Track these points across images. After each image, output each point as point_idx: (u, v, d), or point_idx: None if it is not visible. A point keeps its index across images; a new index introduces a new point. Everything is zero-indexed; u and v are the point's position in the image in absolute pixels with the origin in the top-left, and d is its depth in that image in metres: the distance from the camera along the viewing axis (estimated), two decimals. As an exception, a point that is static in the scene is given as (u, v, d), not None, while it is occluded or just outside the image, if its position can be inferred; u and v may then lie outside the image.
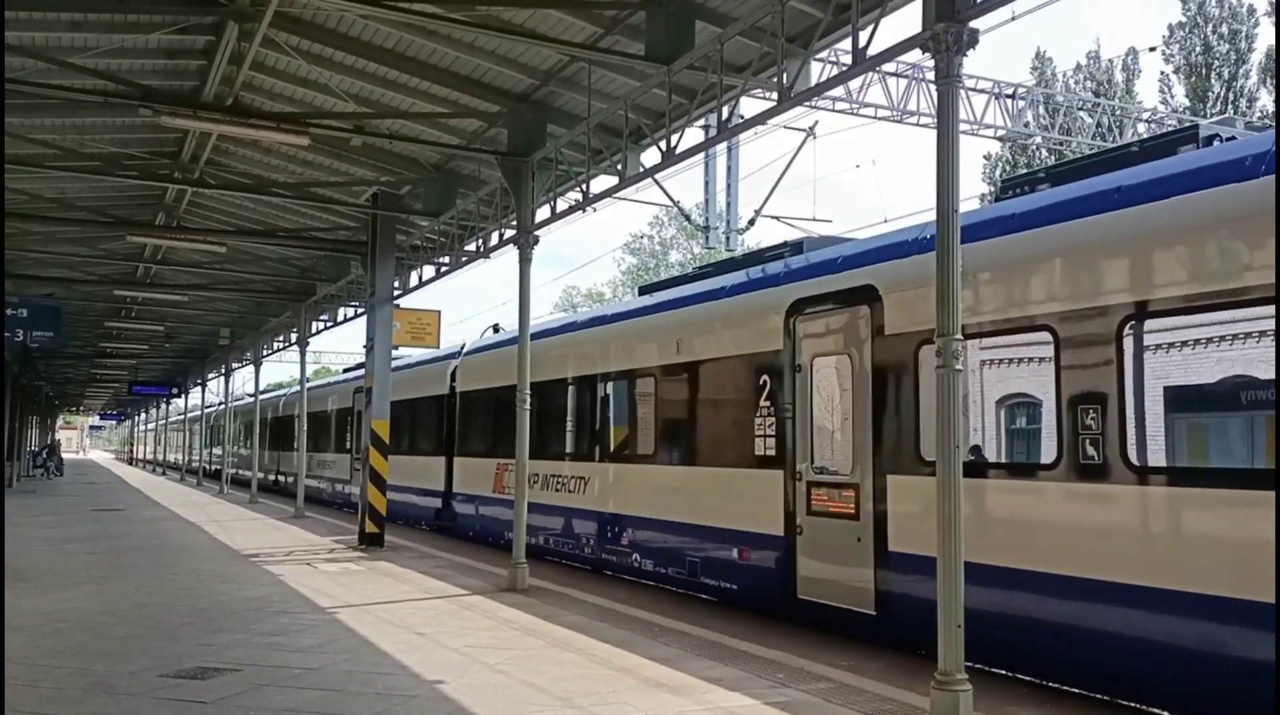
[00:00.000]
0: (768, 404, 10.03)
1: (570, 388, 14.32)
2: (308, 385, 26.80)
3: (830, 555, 9.09)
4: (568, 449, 14.44)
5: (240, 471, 37.74)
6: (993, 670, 7.76)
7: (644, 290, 14.28)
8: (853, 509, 8.86)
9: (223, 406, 44.26)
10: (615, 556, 12.71)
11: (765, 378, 10.10)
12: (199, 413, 43.30)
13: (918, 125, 20.03)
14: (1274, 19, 34.37)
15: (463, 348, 19.51)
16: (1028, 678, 7.60)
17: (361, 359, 19.32)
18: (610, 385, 13.31)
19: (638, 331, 12.83)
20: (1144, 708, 6.91)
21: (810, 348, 9.65)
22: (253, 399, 33.09)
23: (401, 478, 20.60)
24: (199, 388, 43.63)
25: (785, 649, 8.56)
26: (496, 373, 16.21)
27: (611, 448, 13.31)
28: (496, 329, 21.15)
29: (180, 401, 50.54)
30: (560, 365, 14.48)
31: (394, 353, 21.36)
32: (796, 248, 10.87)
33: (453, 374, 18.87)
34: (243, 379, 52.55)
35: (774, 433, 9.90)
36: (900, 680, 7.45)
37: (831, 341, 9.45)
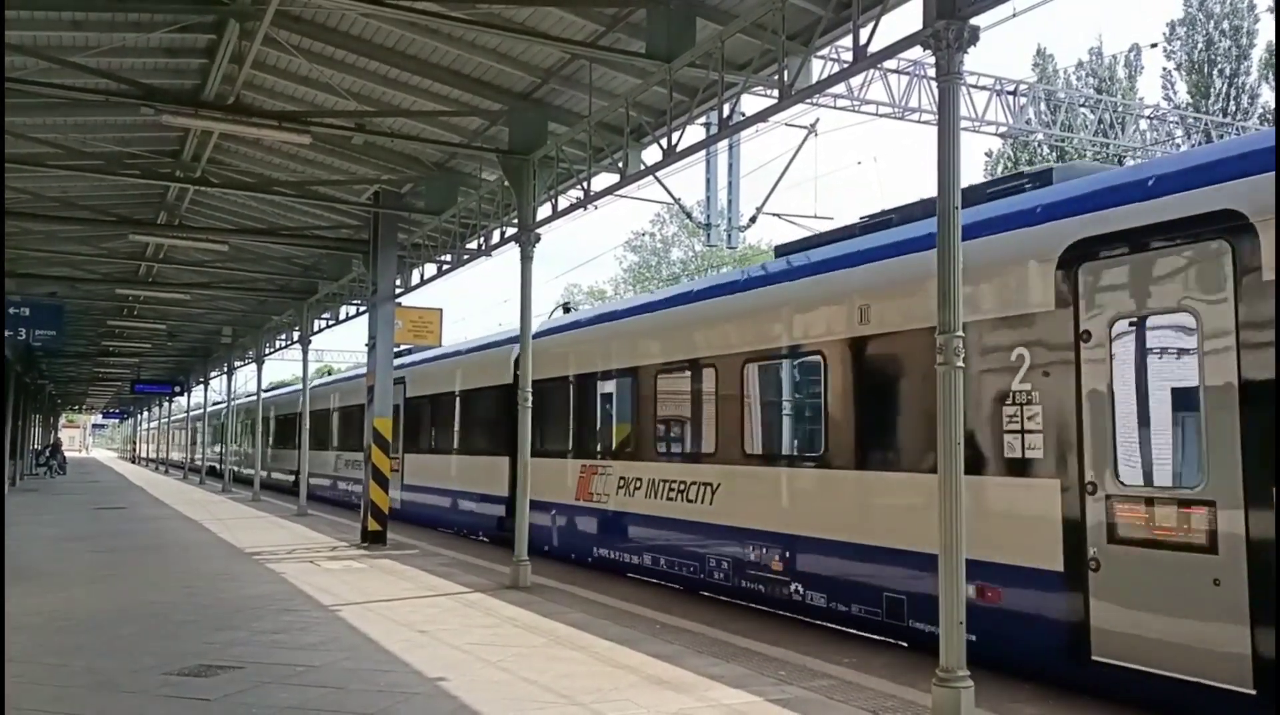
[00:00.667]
0: (1027, 387, 7.51)
1: (688, 373, 11.83)
2: (333, 377, 26.28)
3: (1157, 603, 6.48)
4: (684, 448, 12.03)
5: (242, 470, 37.13)
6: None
7: (783, 250, 11.56)
8: (1203, 537, 6.28)
9: (233, 403, 43.70)
10: (763, 586, 10.14)
11: (1021, 351, 7.60)
12: (205, 411, 43.23)
13: (919, 122, 20.03)
14: (1275, 16, 34.36)
15: None
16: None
17: (390, 355, 18.44)
18: (752, 368, 10.71)
19: (792, 299, 10.24)
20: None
21: (1109, 306, 7.00)
22: (269, 393, 32.36)
23: (452, 481, 19.05)
24: (201, 386, 43.69)
25: (787, 646, 8.56)
26: (577, 358, 14.38)
27: (759, 447, 10.64)
28: (567, 309, 18.95)
29: (185, 399, 50.50)
30: (667, 346, 12.27)
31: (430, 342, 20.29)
32: (1041, 178, 8.59)
33: (516, 362, 16.39)
34: (245, 378, 52.66)
35: (1040, 427, 7.41)
36: (903, 677, 7.46)
37: (1153, 295, 6.76)
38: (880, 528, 8.77)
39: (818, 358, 9.68)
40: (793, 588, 9.77)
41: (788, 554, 9.84)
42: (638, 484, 12.50)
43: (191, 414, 48.84)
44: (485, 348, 18.80)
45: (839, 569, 9.20)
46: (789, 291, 10.37)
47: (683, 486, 11.61)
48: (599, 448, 13.84)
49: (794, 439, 10.43)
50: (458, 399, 19.05)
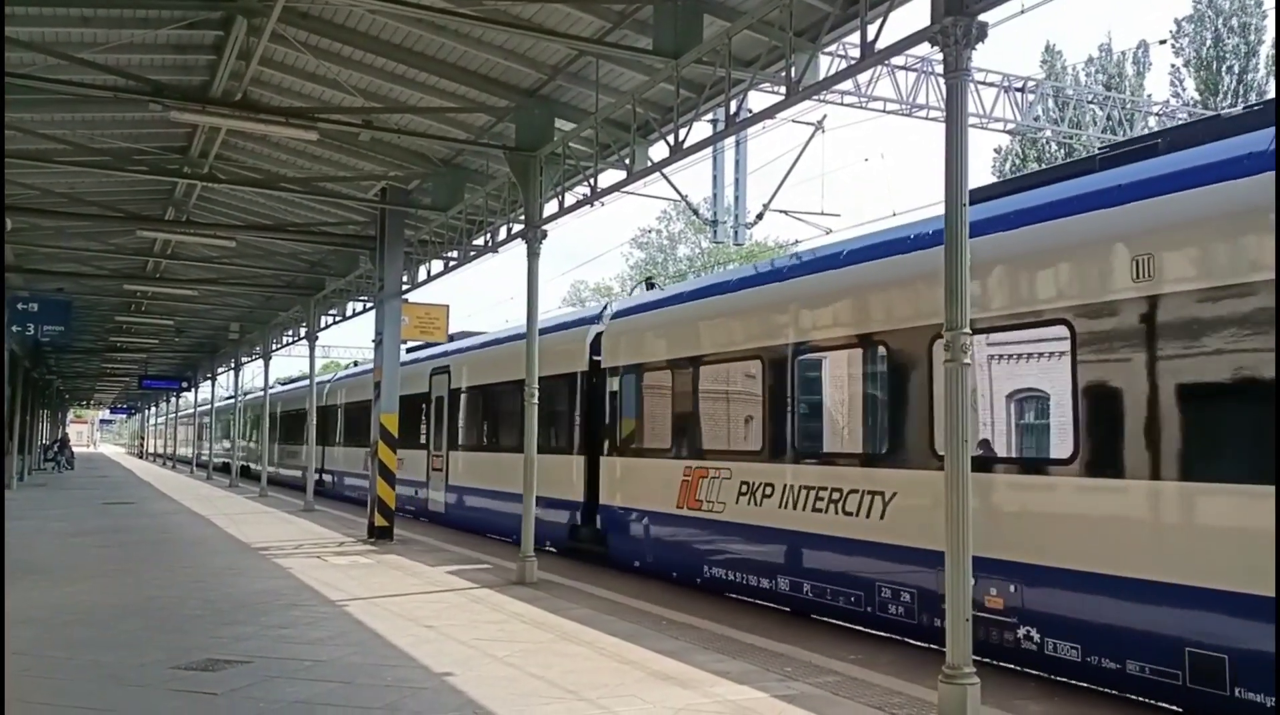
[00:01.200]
0: None
1: (846, 354, 9.66)
2: (364, 369, 25.18)
3: None
4: (839, 448, 9.95)
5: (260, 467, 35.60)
6: (1001, 664, 7.56)
7: (981, 195, 8.55)
8: None
9: (247, 398, 43.00)
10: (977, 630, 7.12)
11: None
12: (211, 407, 43.14)
13: (927, 119, 19.97)
14: (1275, 16, 34.25)
15: (604, 310, 15.19)
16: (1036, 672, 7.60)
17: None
18: (997, 339, 8.14)
19: (1018, 252, 7.83)
20: (1144, 700, 6.88)
21: None
22: (286, 388, 30.81)
23: (511, 483, 15.94)
24: (209, 381, 43.77)
25: (793, 642, 8.57)
26: (681, 338, 12.19)
27: (997, 448, 8.32)
28: (650, 284, 16.40)
29: (194, 395, 50.53)
30: (819, 322, 9.91)
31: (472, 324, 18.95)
32: None
33: (594, 345, 14.66)
34: (251, 374, 52.78)
35: None
36: (909, 674, 7.46)
37: None
38: (1179, 559, 6.46)
39: (1058, 328, 7.40)
40: (1022, 632, 7.43)
41: (1014, 588, 7.49)
42: (768, 491, 10.25)
43: (200, 409, 48.96)
44: (552, 329, 16.31)
45: (1108, 613, 6.88)
46: (1010, 242, 7.92)
47: (838, 495, 9.33)
48: (710, 446, 11.58)
49: (1024, 437, 8.19)
50: (513, 391, 16.44)
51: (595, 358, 14.50)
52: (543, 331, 16.31)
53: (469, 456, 19.08)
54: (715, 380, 11.57)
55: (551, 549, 15.46)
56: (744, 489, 10.69)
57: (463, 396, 19.64)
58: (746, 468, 10.70)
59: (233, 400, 40.52)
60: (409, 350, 23.87)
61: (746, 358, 10.91)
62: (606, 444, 13.76)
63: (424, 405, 21.16)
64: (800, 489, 9.87)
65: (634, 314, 13.78)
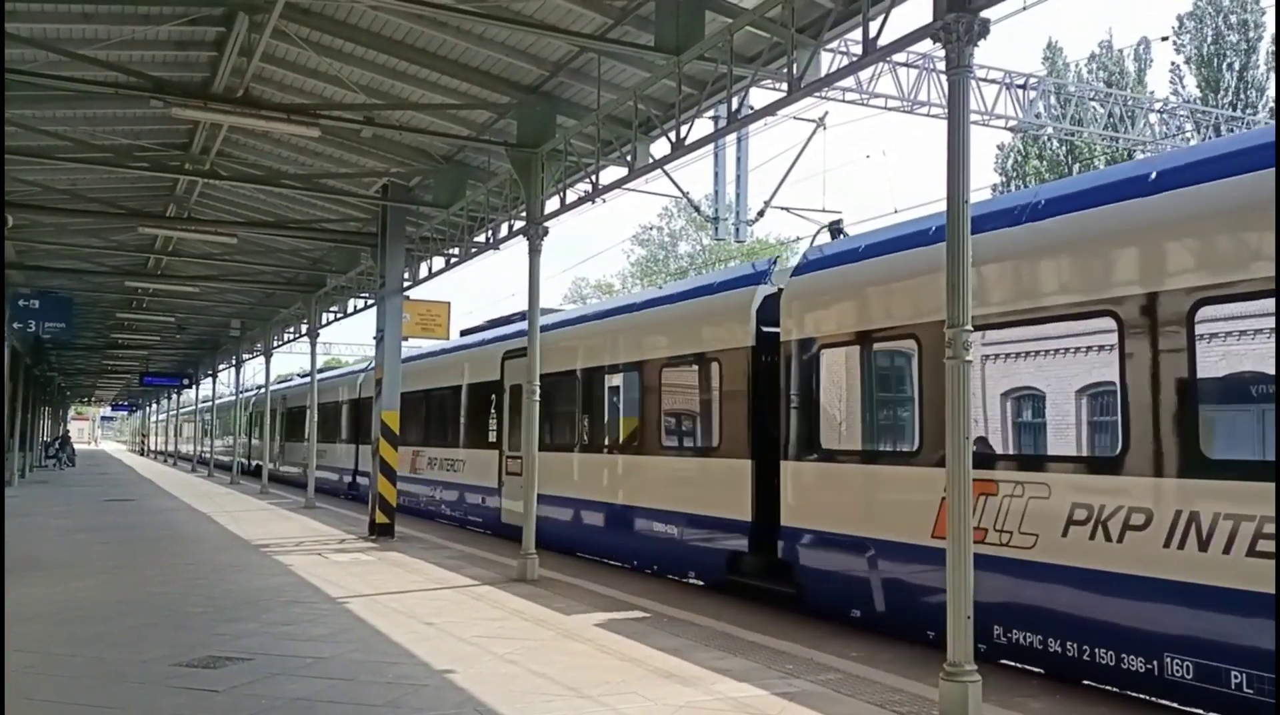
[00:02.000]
0: None
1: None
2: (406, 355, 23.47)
3: None
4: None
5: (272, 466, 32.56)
6: (1002, 662, 7.57)
7: None
8: None
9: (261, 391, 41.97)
10: None
11: None
12: (213, 403, 42.99)
13: (928, 116, 19.97)
14: (1275, 16, 34.20)
15: (772, 266, 11.57)
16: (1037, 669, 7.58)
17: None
18: None
19: None
20: (1147, 698, 6.87)
21: None
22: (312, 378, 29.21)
23: (630, 495, 12.98)
24: (210, 378, 43.82)
25: (795, 640, 8.57)
26: (927, 297, 8.31)
27: None
28: (837, 231, 11.51)
29: (207, 389, 50.36)
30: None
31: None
32: None
33: (760, 312, 11.02)
34: (253, 370, 52.75)
35: None
36: (910, 671, 7.46)
37: None
38: None
39: None
40: None
41: None
42: (1136, 520, 6.55)
43: (203, 406, 48.90)
44: (686, 296, 12.85)
45: None
46: None
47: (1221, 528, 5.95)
48: (998, 448, 8.18)
49: None
50: (643, 371, 13.00)
51: (772, 329, 10.79)
52: (669, 299, 13.35)
53: (564, 459, 14.81)
54: (1013, 350, 8.35)
55: (697, 581, 12.05)
56: (1079, 516, 6.96)
57: (551, 385, 14.88)
58: (1085, 483, 6.83)
59: (235, 397, 40.51)
60: (470, 331, 21.26)
61: (1086, 315, 7.20)
62: (793, 444, 10.00)
63: (494, 396, 17.48)
64: (1219, 520, 6.08)
65: (838, 265, 9.89)
